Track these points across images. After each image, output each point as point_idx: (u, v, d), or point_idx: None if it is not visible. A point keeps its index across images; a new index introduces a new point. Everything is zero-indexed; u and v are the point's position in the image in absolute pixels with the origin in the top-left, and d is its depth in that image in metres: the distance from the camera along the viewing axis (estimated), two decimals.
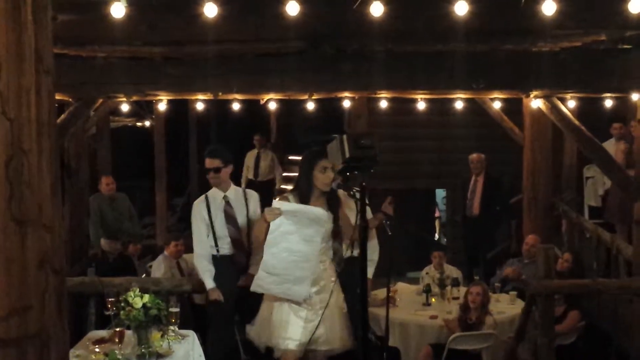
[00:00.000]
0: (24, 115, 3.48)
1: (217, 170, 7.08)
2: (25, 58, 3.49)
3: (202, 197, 7.22)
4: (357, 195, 5.76)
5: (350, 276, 6.24)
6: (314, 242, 6.08)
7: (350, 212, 6.46)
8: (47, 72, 3.58)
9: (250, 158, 15.08)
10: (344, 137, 5.26)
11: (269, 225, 6.02)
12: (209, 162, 7.10)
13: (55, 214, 3.63)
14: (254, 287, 6.20)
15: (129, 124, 18.16)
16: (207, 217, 7.06)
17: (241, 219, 7.11)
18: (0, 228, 3.44)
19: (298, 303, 6.16)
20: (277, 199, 6.34)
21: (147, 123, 17.77)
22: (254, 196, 7.31)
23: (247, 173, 15.05)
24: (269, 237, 6.03)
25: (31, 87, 3.50)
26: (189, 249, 10.02)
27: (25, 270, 3.50)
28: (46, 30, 3.59)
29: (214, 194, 7.15)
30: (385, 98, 9.97)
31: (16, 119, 3.45)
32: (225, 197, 7.11)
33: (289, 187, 11.09)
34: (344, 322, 6.30)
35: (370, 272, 7.25)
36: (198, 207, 7.15)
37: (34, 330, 3.53)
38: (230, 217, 7.07)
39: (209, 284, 7.01)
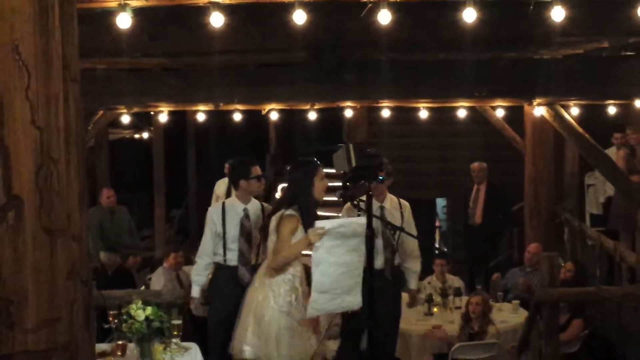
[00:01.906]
0: (53, 124, 3.43)
1: (259, 178, 7.03)
2: (53, 65, 3.45)
3: (219, 204, 7.12)
4: (361, 205, 5.72)
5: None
6: (359, 250, 5.78)
7: None
8: (74, 79, 3.54)
9: (220, 187, 13.42)
10: (350, 146, 5.24)
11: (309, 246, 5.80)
12: (258, 169, 7.02)
13: (83, 223, 3.59)
14: (310, 313, 5.89)
15: (127, 136, 18.13)
16: (220, 226, 6.93)
17: (256, 233, 7.02)
18: (30, 238, 3.39)
19: (296, 319, 6.06)
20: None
21: (146, 135, 17.73)
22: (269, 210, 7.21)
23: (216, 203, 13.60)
24: (313, 255, 5.74)
25: (59, 95, 3.46)
26: (189, 260, 10.02)
27: (55, 281, 3.45)
28: (72, 38, 3.56)
29: (233, 203, 7.03)
30: (387, 107, 9.94)
31: (45, 128, 3.41)
32: (245, 210, 7.00)
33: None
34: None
35: (414, 283, 7.30)
36: (211, 214, 7.02)
37: (63, 342, 3.48)
38: (245, 231, 6.92)
39: (194, 292, 7.00)
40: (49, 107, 3.42)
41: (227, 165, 12.94)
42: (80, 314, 3.55)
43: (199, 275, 7.05)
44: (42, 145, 3.40)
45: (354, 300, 5.87)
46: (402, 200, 7.17)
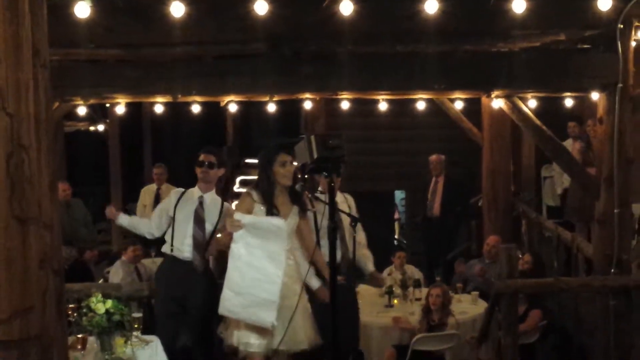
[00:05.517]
0: (23, 111, 3.43)
1: (210, 165, 6.98)
2: (23, 51, 3.43)
3: (181, 189, 7.19)
4: (322, 197, 5.72)
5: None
6: (279, 261, 5.91)
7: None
8: (43, 66, 3.52)
9: (146, 196, 12.16)
10: (312, 137, 5.20)
11: (232, 237, 5.94)
12: (205, 157, 7.00)
13: (54, 211, 3.56)
14: (221, 310, 6.02)
15: (82, 129, 17.93)
16: (172, 208, 6.98)
17: (210, 226, 6.97)
18: (1, 226, 3.37)
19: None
20: (238, 201, 6.26)
21: (101, 127, 17.56)
22: (229, 210, 7.17)
23: (144, 214, 11.28)
24: (232, 246, 5.89)
25: (29, 82, 3.45)
26: (147, 254, 9.98)
27: (27, 270, 3.45)
28: (42, 23, 3.55)
29: (192, 190, 7.07)
30: (346, 99, 9.94)
31: (16, 115, 3.39)
32: (200, 198, 6.98)
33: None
34: (310, 322, 6.24)
35: (371, 265, 7.53)
36: (171, 194, 7.16)
37: (36, 331, 3.48)
38: (199, 219, 6.92)
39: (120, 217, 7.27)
40: (19, 94, 3.41)
41: (156, 170, 12.26)
42: (52, 303, 3.53)
43: (135, 219, 7.46)
44: (13, 132, 3.39)
45: (266, 317, 5.91)
46: (345, 194, 7.30)
